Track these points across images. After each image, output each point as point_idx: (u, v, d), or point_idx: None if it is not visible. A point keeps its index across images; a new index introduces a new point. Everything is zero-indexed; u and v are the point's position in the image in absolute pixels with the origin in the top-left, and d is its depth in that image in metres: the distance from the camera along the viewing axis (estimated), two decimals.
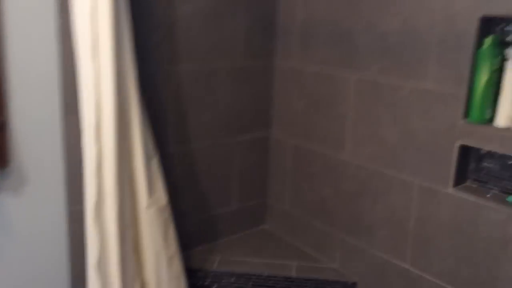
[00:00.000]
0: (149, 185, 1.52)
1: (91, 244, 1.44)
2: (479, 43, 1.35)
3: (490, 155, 1.43)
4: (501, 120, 1.32)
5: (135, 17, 1.51)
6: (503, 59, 1.32)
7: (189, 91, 1.84)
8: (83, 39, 1.36)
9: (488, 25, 1.36)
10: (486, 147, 1.36)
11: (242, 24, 1.92)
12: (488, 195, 1.41)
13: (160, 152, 1.62)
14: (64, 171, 1.55)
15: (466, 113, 1.40)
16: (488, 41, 1.31)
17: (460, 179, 1.47)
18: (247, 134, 2.06)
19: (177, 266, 1.64)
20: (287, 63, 1.99)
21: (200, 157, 1.93)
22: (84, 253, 1.49)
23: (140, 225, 1.55)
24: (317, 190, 1.94)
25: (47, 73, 1.48)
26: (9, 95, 1.43)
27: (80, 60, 1.38)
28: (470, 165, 1.49)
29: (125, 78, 1.43)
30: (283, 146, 2.07)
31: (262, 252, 2.00)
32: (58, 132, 1.53)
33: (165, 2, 1.70)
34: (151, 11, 1.68)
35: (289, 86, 2.00)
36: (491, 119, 1.36)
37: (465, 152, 1.45)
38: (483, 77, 1.33)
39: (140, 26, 1.60)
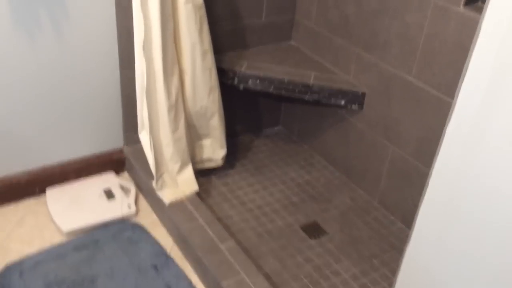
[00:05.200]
0: None
1: (138, 28, 1.68)
2: None
3: None
4: None
5: None
6: None
7: None
8: None
9: None
10: None
11: None
12: None
13: None
14: None
15: None
16: None
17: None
18: None
19: (210, 59, 1.89)
20: None
21: None
22: (132, 39, 1.75)
23: (178, 18, 1.76)
24: (342, 8, 2.08)
25: None
26: None
27: None
28: None
29: None
30: None
31: (285, 62, 2.23)
32: None
33: None
34: None
35: None
36: None
37: None
38: None
39: None
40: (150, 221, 1.96)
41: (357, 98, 2.09)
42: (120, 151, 2.13)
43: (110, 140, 2.09)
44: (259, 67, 2.17)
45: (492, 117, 0.88)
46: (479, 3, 1.62)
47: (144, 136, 1.88)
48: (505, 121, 0.86)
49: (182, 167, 1.95)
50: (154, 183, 1.90)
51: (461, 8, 1.61)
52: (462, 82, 0.93)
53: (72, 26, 1.78)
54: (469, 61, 0.90)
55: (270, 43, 2.37)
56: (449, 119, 0.97)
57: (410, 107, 1.88)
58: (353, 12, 2.03)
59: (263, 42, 2.34)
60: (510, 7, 0.82)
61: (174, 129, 1.85)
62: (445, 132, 0.99)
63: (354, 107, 2.11)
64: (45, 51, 1.77)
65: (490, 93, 0.88)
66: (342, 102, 2.09)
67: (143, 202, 2.05)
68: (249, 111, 2.51)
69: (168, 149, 1.88)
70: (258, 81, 2.12)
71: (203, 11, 1.80)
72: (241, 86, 2.13)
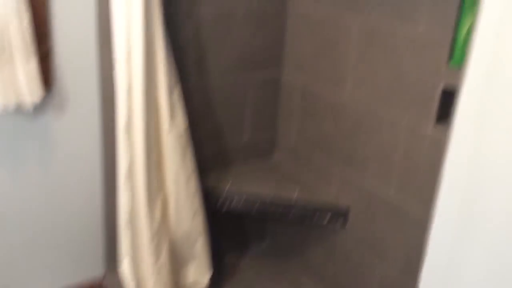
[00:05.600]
0: (170, 111, 1.76)
1: (122, 157, 1.70)
2: None
3: None
4: None
5: None
6: None
7: (209, 31, 2.04)
8: None
9: None
10: None
11: None
12: None
13: (181, 84, 1.85)
14: (99, 93, 1.81)
15: (450, 57, 1.58)
16: None
17: (441, 119, 1.67)
18: (260, 73, 2.27)
19: (193, 184, 1.90)
20: (298, 8, 2.16)
21: (217, 91, 2.16)
22: (115, 166, 1.77)
23: (162, 146, 1.80)
24: (320, 126, 2.16)
25: (85, 6, 1.70)
26: (52, 26, 1.67)
27: None
28: (452, 107, 1.68)
29: (152, 15, 1.64)
30: (292, 85, 2.28)
31: (267, 181, 2.26)
32: (95, 60, 1.77)
33: None
34: None
35: (300, 29, 2.18)
36: None
37: (448, 95, 1.64)
38: (466, 24, 1.50)
39: None
40: None
41: (341, 215, 2.09)
42: (100, 281, 2.05)
43: (90, 269, 2.02)
44: (242, 188, 2.18)
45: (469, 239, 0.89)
46: (448, 122, 1.70)
47: (125, 267, 1.83)
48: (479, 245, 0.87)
49: None
50: None
51: (432, 128, 1.68)
52: (437, 200, 0.95)
53: (56, 158, 1.80)
54: (441, 181, 0.93)
55: (253, 161, 2.41)
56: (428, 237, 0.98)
57: (393, 224, 1.88)
58: (331, 130, 2.11)
59: (246, 160, 2.39)
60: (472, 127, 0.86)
61: (157, 257, 1.81)
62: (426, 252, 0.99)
63: (338, 224, 2.11)
64: (27, 180, 1.77)
65: (463, 214, 0.89)
66: (325, 221, 2.09)
67: None
68: (234, 229, 2.48)
69: (150, 281, 1.82)
70: (241, 202, 2.13)
71: (186, 137, 1.85)
72: (225, 208, 2.13)
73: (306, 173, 2.28)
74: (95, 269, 2.04)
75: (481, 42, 0.81)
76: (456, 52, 1.55)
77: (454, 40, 1.55)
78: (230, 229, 2.46)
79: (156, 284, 1.82)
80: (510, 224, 0.84)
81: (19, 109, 1.62)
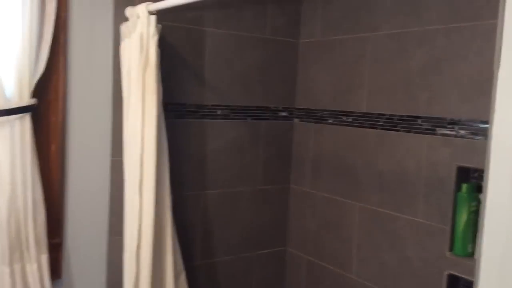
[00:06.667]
0: None
1: None
2: (458, 187, 1.60)
3: None
4: None
5: (173, 150, 1.83)
6: (479, 202, 1.56)
7: (215, 211, 2.13)
8: (131, 172, 1.68)
9: (466, 172, 1.62)
10: (469, 277, 1.56)
11: (262, 155, 2.25)
12: None
13: (186, 264, 1.87)
14: (106, 285, 1.81)
15: (452, 246, 1.62)
16: (464, 187, 1.57)
17: None
18: (265, 249, 2.29)
19: None
20: (301, 187, 2.27)
21: (222, 269, 2.16)
22: None
23: None
24: None
25: (99, 201, 1.81)
26: (66, 219, 1.75)
27: (128, 191, 1.69)
28: None
29: (163, 202, 1.72)
30: (297, 261, 2.29)
31: None
32: (104, 250, 1.81)
33: (199, 139, 2.06)
34: (188, 145, 2.02)
35: (303, 207, 2.26)
36: (473, 253, 1.57)
37: (454, 281, 1.64)
38: (463, 217, 1.57)
39: (176, 156, 1.93)
40: None
41: None
42: None
43: None
44: None
45: None
46: None
47: None
48: None
49: None
50: None
51: None
52: None
53: None
54: None
55: None
56: None
57: None
58: None
59: None
60: None
61: None
62: None
63: None
64: None
65: None
66: None
67: None
68: None
69: None
70: None
71: None
72: None
73: None
74: None
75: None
76: (456, 242, 1.59)
77: (453, 231, 1.60)
78: None
79: None
80: None
81: None
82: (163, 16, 1.75)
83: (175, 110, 1.98)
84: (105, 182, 1.83)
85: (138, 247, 1.65)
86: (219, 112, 2.12)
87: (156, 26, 1.65)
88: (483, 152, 1.53)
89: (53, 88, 1.71)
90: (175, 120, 1.95)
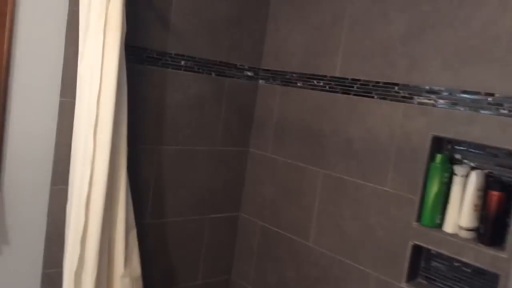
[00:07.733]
0: (126, 256, 1.61)
1: None
2: (431, 158, 1.57)
3: (439, 255, 1.60)
4: (448, 227, 1.52)
5: (129, 97, 1.65)
6: (452, 174, 1.53)
7: (170, 169, 1.98)
8: (84, 115, 1.49)
9: (440, 143, 1.59)
10: (435, 248, 1.54)
11: (224, 114, 2.11)
12: None
13: (136, 221, 1.72)
14: (45, 236, 1.62)
15: (419, 217, 1.59)
16: (438, 157, 1.54)
17: (412, 275, 1.63)
18: (218, 213, 2.18)
19: None
20: (261, 151, 2.17)
21: (173, 231, 2.03)
22: None
23: None
24: (281, 272, 2.05)
25: (43, 146, 1.61)
26: (3, 165, 1.53)
27: (79, 135, 1.51)
28: (421, 263, 1.66)
29: (118, 151, 1.56)
30: (251, 227, 2.20)
31: None
32: (46, 200, 1.62)
33: (158, 90, 1.88)
34: (145, 94, 1.85)
35: (261, 172, 2.17)
36: (440, 224, 1.55)
37: (417, 251, 1.62)
38: (434, 188, 1.53)
39: (132, 105, 1.74)
40: None
41: None
42: None
43: None
44: None
45: None
46: (419, 279, 1.66)
47: None
48: None
49: None
50: None
51: (403, 284, 1.63)
52: None
53: None
54: None
55: None
56: None
57: None
58: (292, 278, 2.00)
59: None
60: None
61: None
62: None
63: None
64: None
65: None
66: None
67: None
68: None
69: None
70: None
71: (140, 283, 1.67)
72: None
73: None
74: None
75: None
76: (424, 212, 1.56)
77: (422, 201, 1.57)
78: None
79: None
80: None
81: None
82: None
83: (135, 54, 1.79)
84: (51, 125, 1.62)
85: (88, 197, 1.48)
86: (182, 62, 1.95)
87: None
88: (461, 123, 1.51)
89: None
90: (134, 65, 1.76)
